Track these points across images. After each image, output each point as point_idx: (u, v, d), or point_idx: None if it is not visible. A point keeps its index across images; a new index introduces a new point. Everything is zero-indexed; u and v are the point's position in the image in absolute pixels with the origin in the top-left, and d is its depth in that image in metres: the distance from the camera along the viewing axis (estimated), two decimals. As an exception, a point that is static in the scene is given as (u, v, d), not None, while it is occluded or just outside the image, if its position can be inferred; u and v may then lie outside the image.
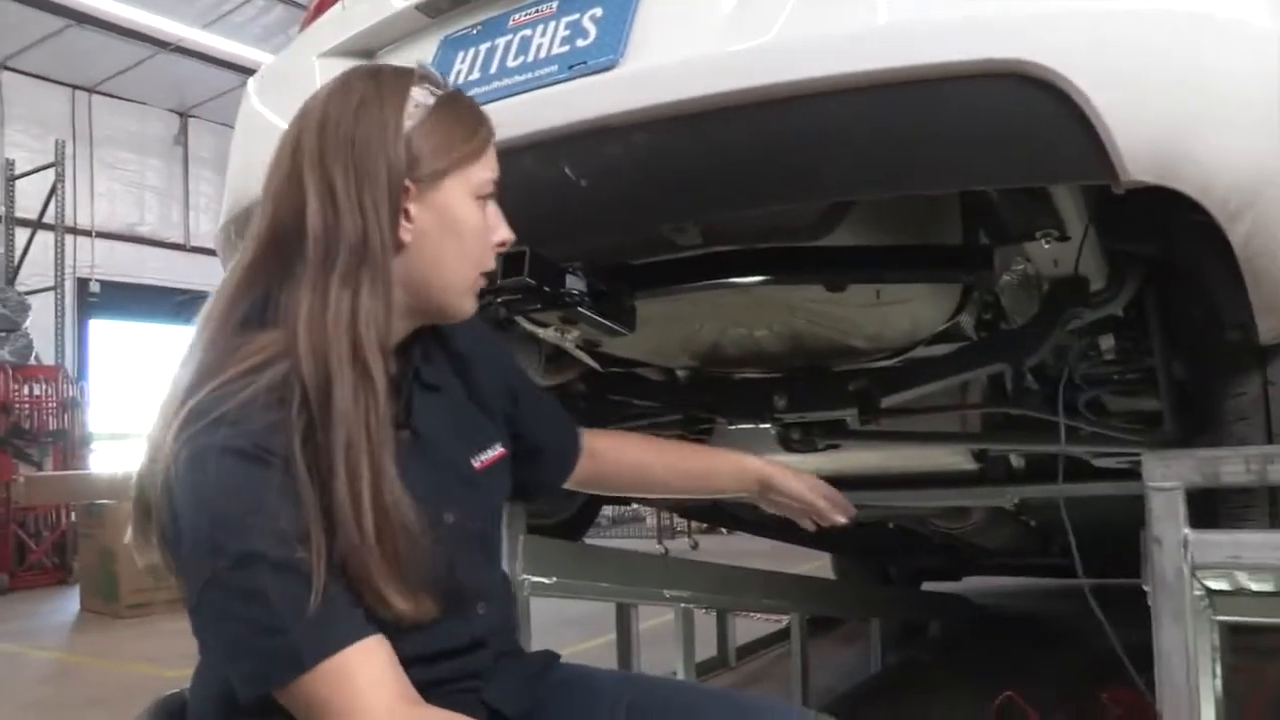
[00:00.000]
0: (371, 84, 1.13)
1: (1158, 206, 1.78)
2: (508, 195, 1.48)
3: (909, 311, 1.86)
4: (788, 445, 2.21)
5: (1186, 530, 1.63)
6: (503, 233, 1.21)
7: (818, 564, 5.28)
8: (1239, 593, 2.29)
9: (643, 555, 2.92)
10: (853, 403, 2.03)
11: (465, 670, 1.20)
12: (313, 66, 1.91)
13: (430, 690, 1.07)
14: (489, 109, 1.49)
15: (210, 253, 11.25)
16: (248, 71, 11.20)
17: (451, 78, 1.61)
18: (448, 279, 1.17)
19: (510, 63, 1.53)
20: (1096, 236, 1.72)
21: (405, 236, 1.12)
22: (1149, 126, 1.21)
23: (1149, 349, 2.08)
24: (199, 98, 11.75)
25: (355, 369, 1.04)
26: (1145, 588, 1.72)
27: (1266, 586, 2.21)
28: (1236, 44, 1.26)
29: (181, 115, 12.20)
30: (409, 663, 1.06)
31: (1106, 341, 2.14)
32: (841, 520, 1.68)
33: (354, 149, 1.08)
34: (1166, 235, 1.75)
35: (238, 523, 0.99)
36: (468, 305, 1.22)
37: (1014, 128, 1.23)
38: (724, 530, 8.86)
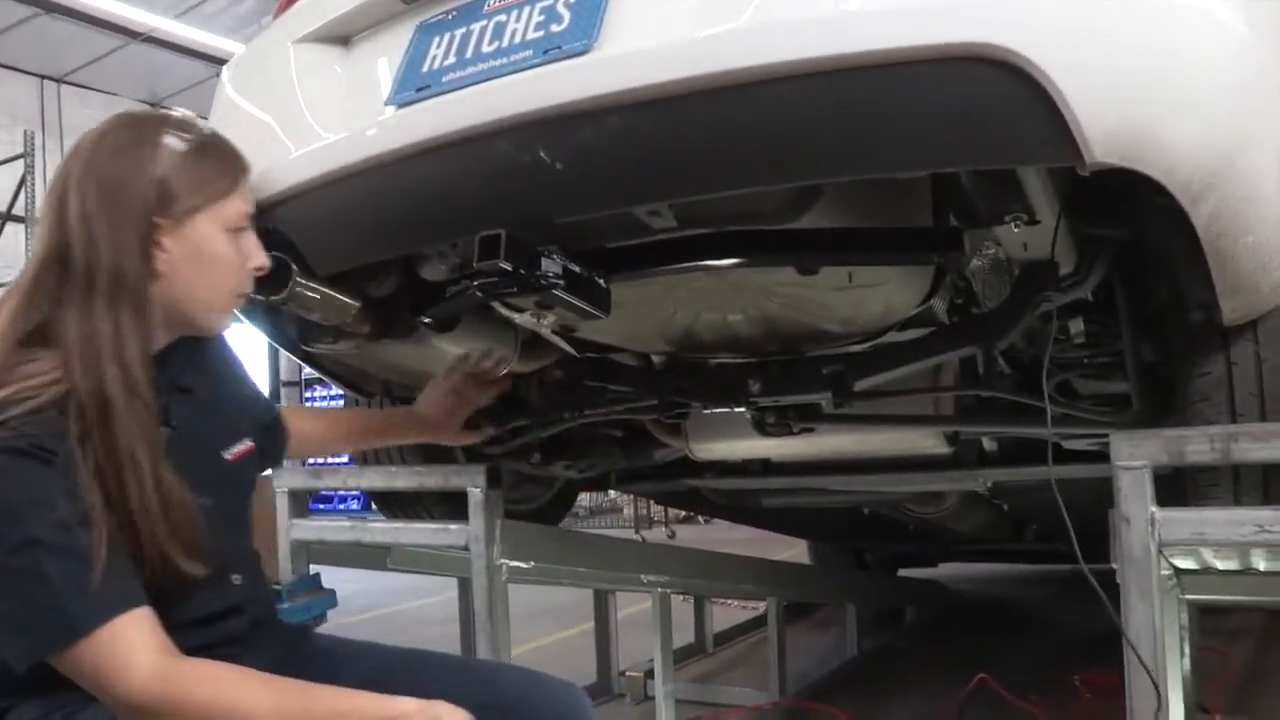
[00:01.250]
0: (131, 130, 1.32)
1: (1125, 190, 1.82)
2: (485, 178, 1.52)
3: (881, 295, 1.88)
4: (762, 429, 2.23)
5: (1154, 508, 1.67)
6: (257, 259, 1.41)
7: (795, 551, 5.31)
8: (1206, 571, 2.33)
9: (620, 540, 2.95)
10: (827, 386, 2.05)
11: (225, 635, 1.40)
12: (288, 53, 1.91)
13: (194, 654, 1.25)
14: (465, 94, 1.53)
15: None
16: (219, 62, 11.17)
17: (427, 64, 1.62)
18: (202, 302, 1.37)
19: (485, 48, 1.53)
20: (1067, 221, 1.75)
21: (161, 266, 1.30)
22: (1113, 110, 1.22)
23: (1118, 332, 2.11)
24: (170, 89, 11.66)
25: (125, 388, 1.23)
26: (1114, 565, 1.75)
27: (1232, 565, 2.24)
28: (1200, 31, 1.28)
29: (153, 106, 12.11)
30: (174, 629, 1.24)
31: (1076, 325, 2.17)
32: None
33: (110, 189, 1.26)
34: (1134, 219, 1.78)
35: (17, 512, 1.16)
36: (223, 323, 1.44)
37: (980, 111, 1.24)
38: (701, 520, 8.91)
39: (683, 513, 8.90)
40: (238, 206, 1.36)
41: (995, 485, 2.96)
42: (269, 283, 1.74)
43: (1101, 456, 2.27)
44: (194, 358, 1.46)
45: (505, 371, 2.19)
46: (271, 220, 1.80)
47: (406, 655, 1.58)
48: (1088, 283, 1.97)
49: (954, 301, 2.18)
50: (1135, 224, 1.80)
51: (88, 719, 1.24)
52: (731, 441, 2.45)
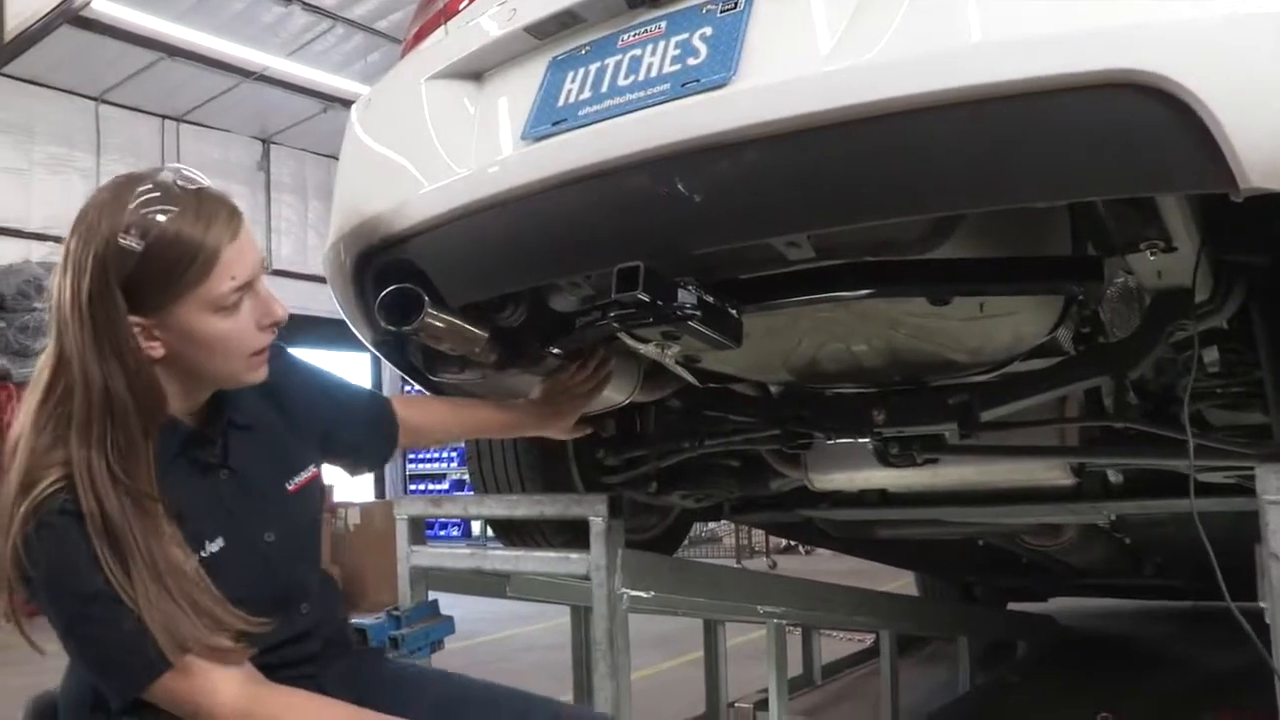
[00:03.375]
0: (81, 245, 1.27)
1: (1268, 216, 1.78)
2: (622, 211, 1.54)
3: (1011, 325, 1.86)
4: (885, 460, 2.21)
5: (1304, 544, 1.61)
6: (275, 314, 1.38)
7: (901, 583, 5.23)
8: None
9: (735, 570, 2.94)
10: (952, 417, 2.02)
11: (298, 657, 1.45)
12: (419, 90, 1.96)
13: (270, 675, 1.33)
14: (601, 127, 1.55)
15: (290, 275, 11.58)
16: (327, 98, 11.52)
17: (562, 98, 1.65)
18: (217, 372, 1.37)
19: (621, 82, 1.56)
20: (1204, 247, 1.71)
21: (159, 352, 1.30)
22: (1270, 134, 1.20)
23: (1254, 360, 2.05)
24: (280, 124, 12.02)
25: (128, 497, 1.25)
26: (1263, 604, 1.69)
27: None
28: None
29: (264, 142, 12.49)
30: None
31: (1210, 354, 2.11)
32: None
33: (82, 303, 1.25)
34: (1276, 244, 1.74)
35: (77, 567, 1.23)
36: (254, 377, 1.40)
37: (1131, 138, 1.23)
38: (803, 550, 8.83)
39: (784, 543, 8.82)
40: (220, 285, 1.30)
41: (1118, 518, 2.89)
42: (400, 314, 1.79)
43: (1237, 490, 2.21)
44: (253, 391, 1.46)
45: (624, 400, 2.19)
46: (404, 252, 1.86)
47: (473, 688, 1.61)
48: (1224, 310, 1.92)
49: (1080, 331, 2.14)
50: (1276, 249, 1.75)
51: None
52: (852, 472, 2.44)
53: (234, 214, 1.34)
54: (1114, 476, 2.56)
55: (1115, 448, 2.19)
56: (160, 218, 1.26)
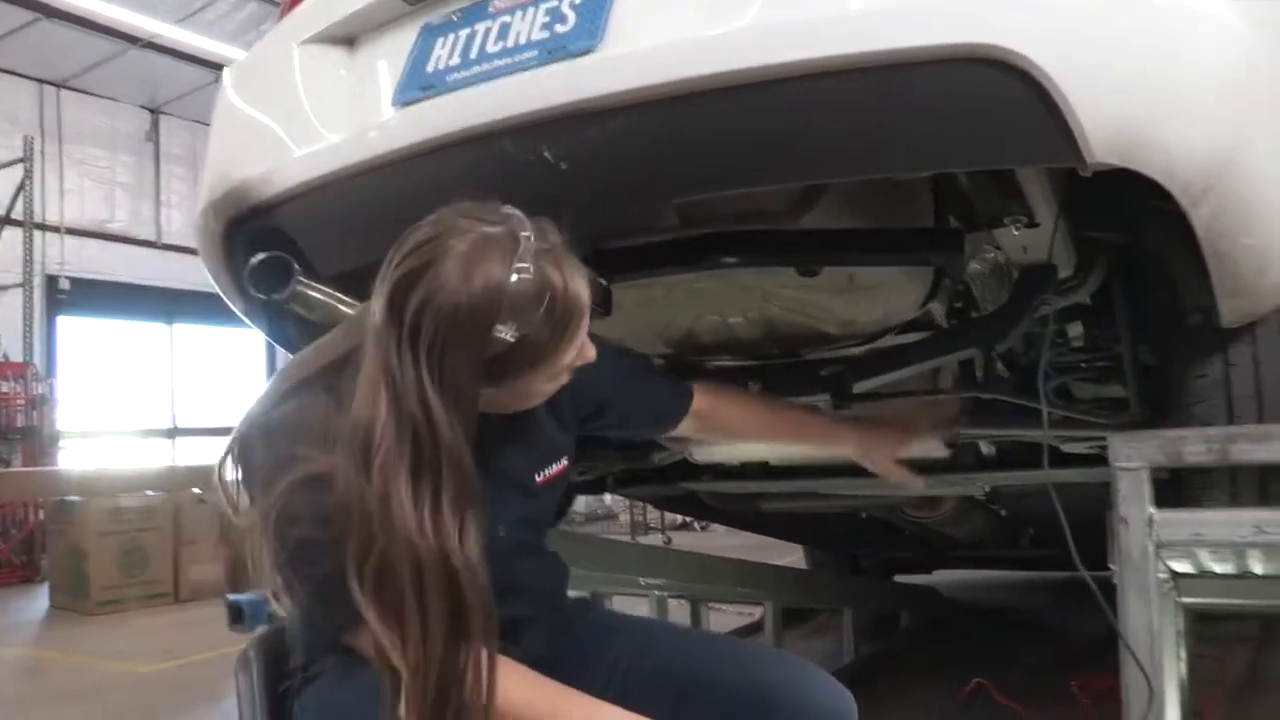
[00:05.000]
0: (467, 320, 1.16)
1: (1125, 194, 1.83)
2: (488, 177, 1.53)
3: (881, 297, 1.89)
4: (762, 431, 2.23)
5: (1152, 509, 1.67)
6: (588, 357, 1.31)
7: (792, 559, 5.31)
8: (1203, 575, 2.34)
9: (619, 543, 2.95)
10: (826, 388, 2.06)
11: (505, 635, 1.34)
12: (292, 54, 1.92)
13: None
14: (469, 93, 1.54)
15: (183, 250, 11.24)
16: (219, 68, 11.04)
17: (432, 64, 1.63)
18: (514, 408, 1.33)
19: (490, 48, 1.54)
20: (1065, 224, 1.76)
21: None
22: (1114, 110, 1.24)
23: (1116, 336, 2.12)
24: (171, 94, 11.66)
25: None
26: (1111, 567, 1.76)
27: (1228, 568, 2.25)
28: (1201, 32, 1.30)
29: (153, 112, 12.11)
30: None
31: (1074, 329, 2.18)
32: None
33: (443, 371, 1.15)
34: (1133, 222, 1.79)
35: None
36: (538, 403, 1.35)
37: (983, 112, 1.26)
38: (698, 527, 8.90)
39: (679, 520, 8.89)
40: (568, 357, 1.26)
41: (993, 490, 2.97)
42: (270, 282, 1.75)
43: (1099, 460, 2.28)
44: None
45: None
46: (274, 219, 1.82)
47: (673, 633, 1.59)
48: (1086, 286, 1.98)
49: (953, 305, 2.19)
50: (1134, 227, 1.81)
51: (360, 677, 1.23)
52: (731, 445, 2.46)
53: (587, 280, 1.26)
54: (986, 449, 2.63)
55: (982, 419, 2.24)
56: (537, 308, 1.19)
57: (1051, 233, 1.69)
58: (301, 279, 1.79)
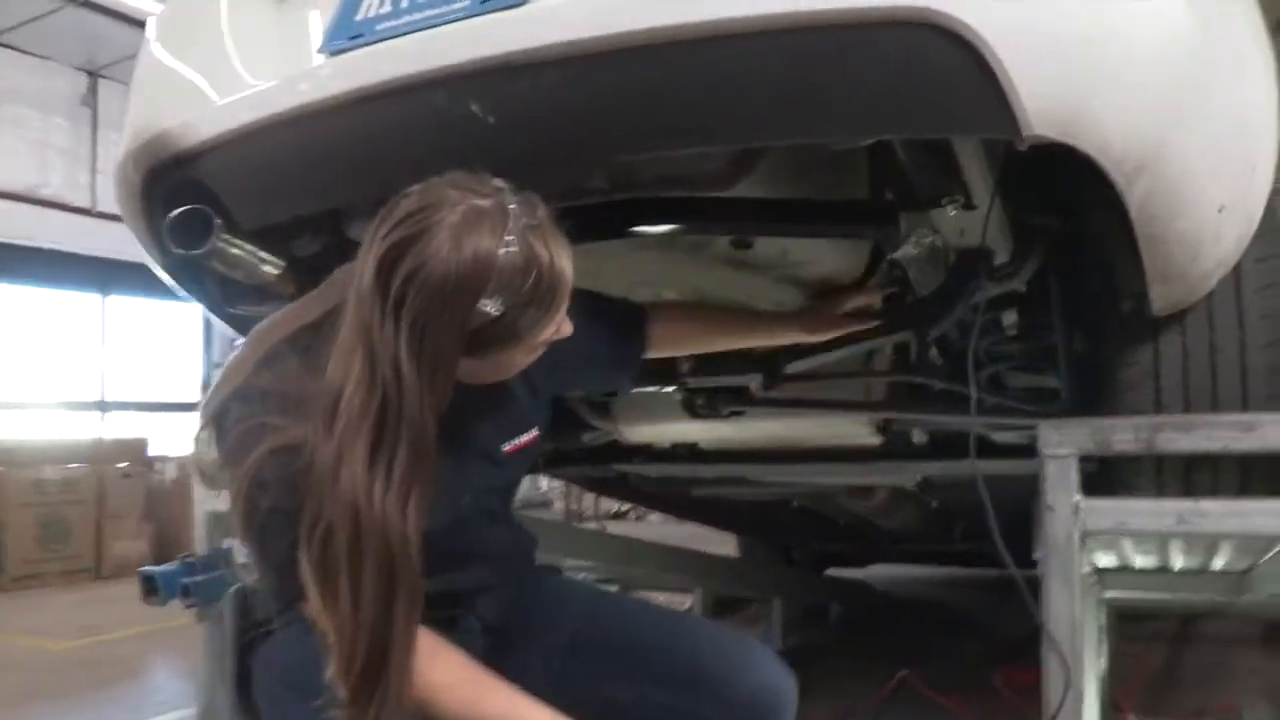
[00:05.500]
0: (454, 293, 1.14)
1: (1062, 177, 1.82)
2: (415, 130, 1.48)
3: (815, 272, 1.87)
4: (693, 411, 2.21)
5: (1078, 497, 1.66)
6: (565, 333, 1.29)
7: (727, 550, 5.30)
8: (1125, 570, 2.35)
9: (545, 522, 2.90)
10: (757, 368, 2.04)
11: (462, 603, 1.43)
12: (218, 3, 1.86)
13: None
14: (397, 43, 1.48)
15: (119, 219, 10.88)
16: (160, 35, 10.82)
17: (361, 12, 1.57)
18: (484, 378, 1.30)
19: (420, -4, 1.49)
20: (1003, 208, 1.74)
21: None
22: (1051, 81, 1.21)
23: (1050, 325, 2.12)
24: (110, 57, 11.34)
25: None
26: (1035, 556, 1.75)
27: (1150, 561, 2.27)
28: (1141, 9, 1.28)
29: (91, 74, 11.78)
30: None
31: (1009, 317, 2.17)
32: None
33: (423, 343, 1.14)
34: (1069, 207, 1.79)
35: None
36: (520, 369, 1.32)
37: (920, 77, 1.23)
38: (634, 517, 8.88)
39: (614, 509, 8.86)
40: (548, 332, 1.25)
41: (924, 480, 2.97)
42: (190, 237, 1.69)
43: (1030, 451, 2.28)
44: None
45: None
46: (196, 171, 1.75)
47: (622, 605, 1.59)
48: (1022, 273, 1.97)
49: (888, 291, 2.17)
50: (1070, 212, 1.80)
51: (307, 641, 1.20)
52: (661, 424, 2.43)
53: (568, 249, 1.24)
54: (918, 438, 2.62)
55: (914, 404, 2.23)
56: (524, 283, 1.17)
57: (987, 214, 1.66)
58: (223, 234, 1.73)
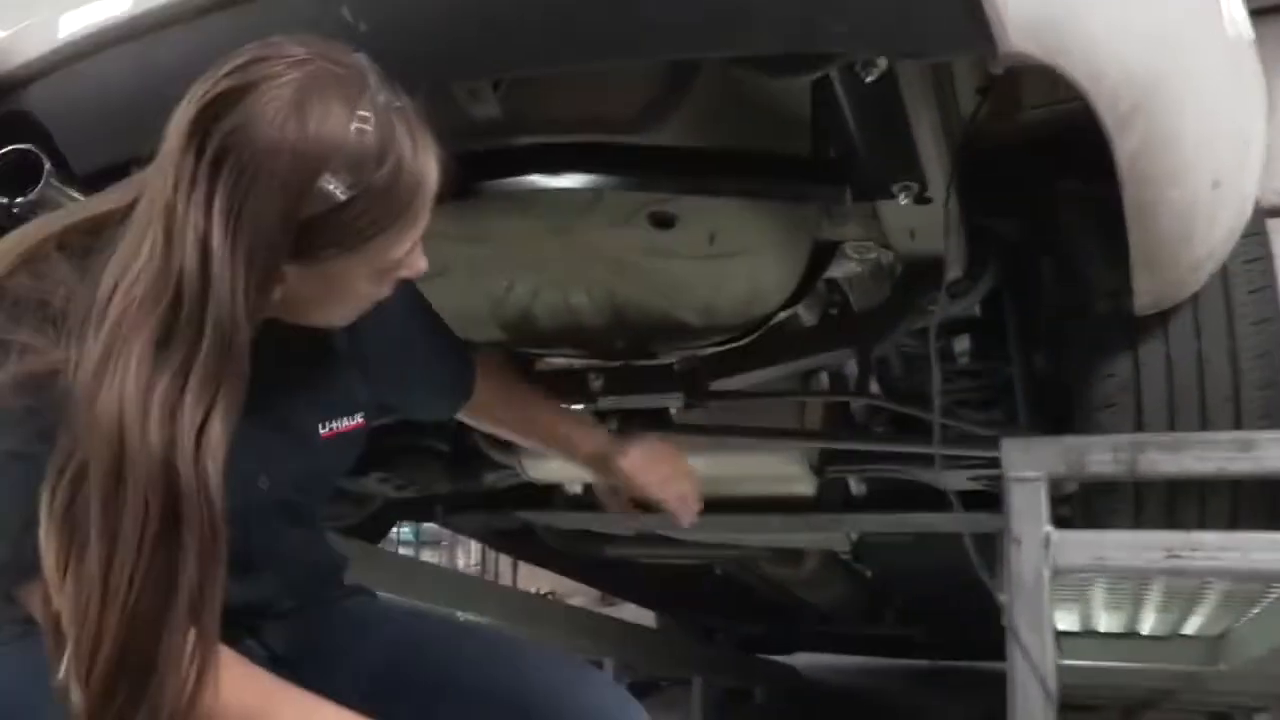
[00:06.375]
0: (289, 160, 0.88)
1: (1027, 172, 1.62)
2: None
3: (747, 271, 1.63)
4: (603, 438, 1.94)
5: (1048, 528, 1.42)
6: (418, 268, 1.04)
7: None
8: (1088, 634, 2.12)
9: (437, 569, 2.60)
10: (677, 386, 1.79)
11: (241, 624, 1.12)
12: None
13: None
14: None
15: None
16: None
17: None
18: (309, 317, 1.04)
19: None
20: (960, 209, 1.54)
21: (275, 293, 0.95)
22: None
23: (1007, 355, 1.91)
24: None
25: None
26: (1000, 598, 1.50)
27: (1118, 622, 2.03)
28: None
29: None
30: None
31: (961, 344, 1.97)
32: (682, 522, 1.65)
33: (240, 218, 0.87)
34: (1034, 201, 1.59)
35: None
36: (346, 321, 1.09)
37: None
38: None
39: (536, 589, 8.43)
40: (402, 248, 0.99)
41: (860, 542, 2.72)
42: (16, 184, 1.41)
43: (980, 500, 2.06)
44: None
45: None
46: (20, 102, 1.47)
47: (439, 629, 1.30)
48: (976, 290, 1.78)
49: (827, 312, 1.95)
50: (1035, 208, 1.61)
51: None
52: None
53: (436, 152, 0.98)
54: (856, 488, 2.39)
55: (858, 432, 2.00)
56: (377, 169, 0.91)
57: (946, 198, 1.44)
58: (54, 180, 1.44)
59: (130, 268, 0.87)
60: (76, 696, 0.80)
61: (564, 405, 1.73)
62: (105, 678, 0.80)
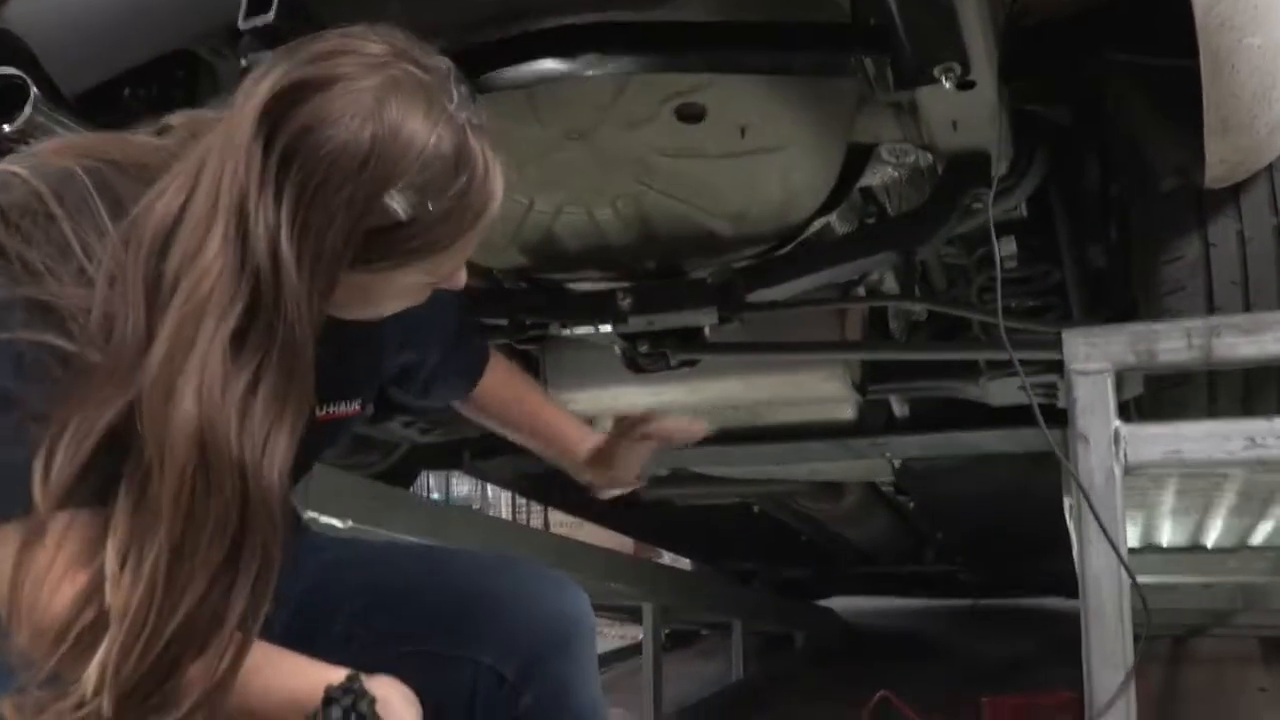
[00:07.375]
0: (358, 174, 0.84)
1: (1076, 48, 1.51)
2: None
3: (779, 171, 1.53)
4: (635, 364, 1.86)
5: (1117, 423, 1.32)
6: (458, 282, 1.00)
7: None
8: (1150, 549, 2.02)
9: (463, 510, 2.52)
10: (712, 300, 1.69)
11: None
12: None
13: None
14: None
15: None
16: None
17: None
18: (345, 314, 0.97)
19: None
20: (1005, 94, 1.44)
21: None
22: None
23: (1053, 256, 1.82)
24: None
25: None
26: (1067, 500, 1.41)
27: (1183, 536, 1.94)
28: None
29: None
30: None
31: (1007, 246, 1.86)
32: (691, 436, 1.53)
33: (307, 225, 0.83)
34: (1084, 85, 1.48)
35: None
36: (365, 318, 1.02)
37: None
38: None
39: (563, 520, 8.30)
40: (453, 264, 0.95)
41: (903, 469, 2.62)
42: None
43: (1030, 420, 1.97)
44: None
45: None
46: (3, 21, 1.39)
47: (373, 549, 1.34)
48: (1022, 187, 1.68)
49: (864, 221, 1.86)
50: (1087, 92, 1.51)
51: None
52: (597, 389, 2.08)
53: (504, 173, 0.93)
54: (899, 409, 2.29)
55: (903, 345, 1.90)
56: (446, 191, 0.86)
57: (991, 79, 1.33)
58: (42, 106, 1.35)
59: (199, 257, 0.82)
60: (94, 687, 0.79)
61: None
62: (143, 674, 0.79)
